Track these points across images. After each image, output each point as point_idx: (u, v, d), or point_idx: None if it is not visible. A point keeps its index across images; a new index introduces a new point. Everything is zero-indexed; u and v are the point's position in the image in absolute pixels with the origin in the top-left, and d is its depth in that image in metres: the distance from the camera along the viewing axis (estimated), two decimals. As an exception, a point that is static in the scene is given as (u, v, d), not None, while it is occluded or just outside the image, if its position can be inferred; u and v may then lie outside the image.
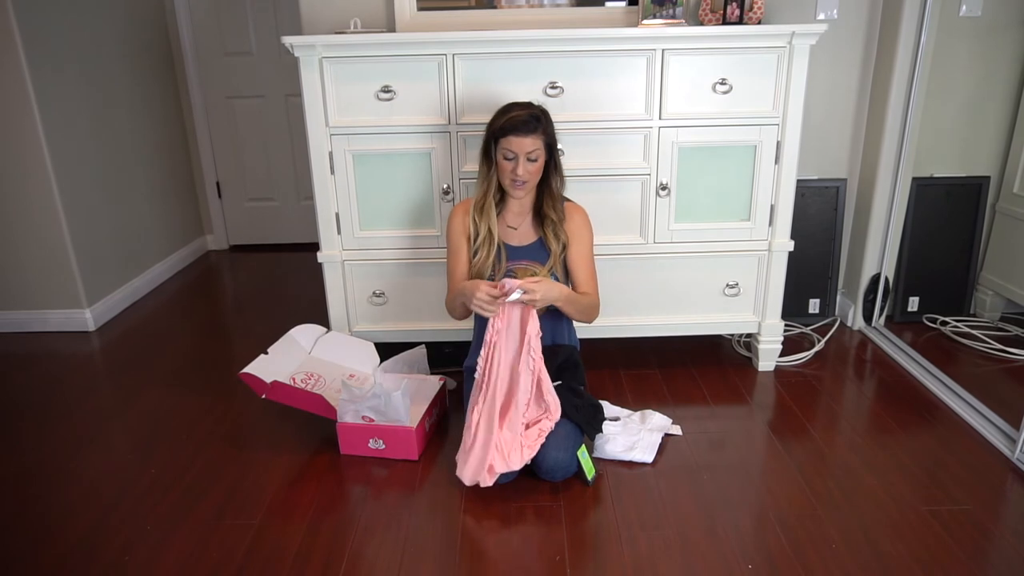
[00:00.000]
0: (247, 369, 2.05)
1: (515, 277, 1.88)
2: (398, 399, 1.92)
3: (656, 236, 2.30)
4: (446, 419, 2.21)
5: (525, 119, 1.84)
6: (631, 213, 2.28)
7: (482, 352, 1.85)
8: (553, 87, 2.16)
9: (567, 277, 2.04)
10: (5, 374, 2.61)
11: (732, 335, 2.71)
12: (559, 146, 2.16)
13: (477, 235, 1.97)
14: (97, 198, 3.06)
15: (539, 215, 2.00)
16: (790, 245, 2.32)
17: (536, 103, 1.93)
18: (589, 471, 1.86)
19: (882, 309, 2.80)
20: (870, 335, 2.77)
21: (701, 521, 1.73)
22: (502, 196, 2.00)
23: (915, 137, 2.59)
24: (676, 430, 2.11)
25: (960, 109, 2.68)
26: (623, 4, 2.49)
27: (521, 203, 2.00)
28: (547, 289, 1.82)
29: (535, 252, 1.99)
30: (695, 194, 2.27)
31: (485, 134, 1.93)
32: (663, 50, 2.12)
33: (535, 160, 1.87)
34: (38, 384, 2.52)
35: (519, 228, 2.01)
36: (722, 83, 2.15)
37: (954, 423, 2.15)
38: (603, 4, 2.50)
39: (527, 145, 1.84)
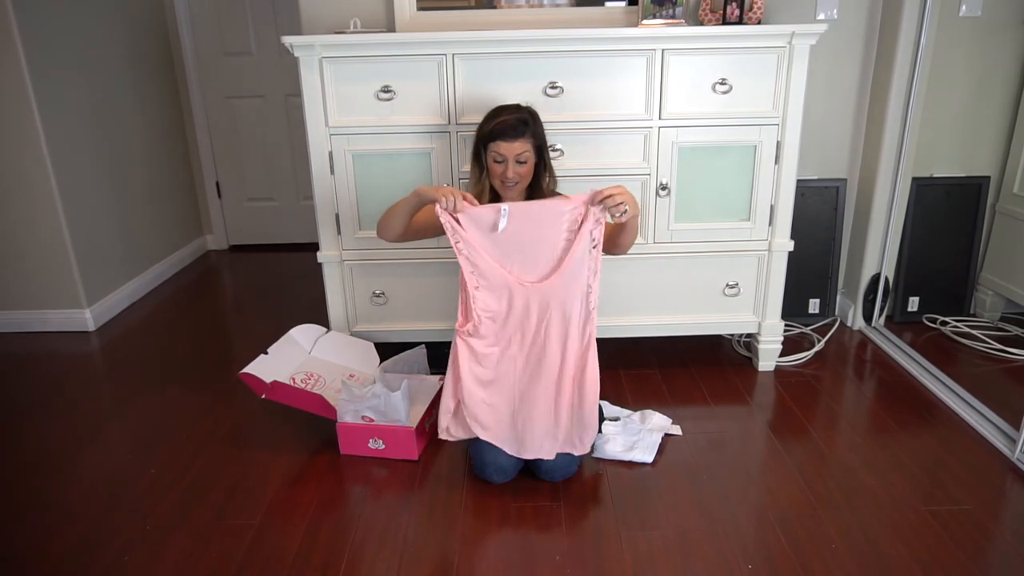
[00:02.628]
0: (247, 369, 2.05)
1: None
2: (398, 399, 1.92)
3: (656, 236, 2.30)
4: (446, 419, 2.21)
5: (513, 123, 1.84)
6: (631, 213, 2.28)
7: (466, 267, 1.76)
8: (553, 87, 2.16)
9: None
10: (5, 374, 2.61)
11: (732, 335, 2.71)
12: (558, 146, 2.17)
13: None
14: (97, 198, 3.06)
15: None
16: (790, 245, 2.32)
17: (525, 105, 1.92)
18: None
19: (882, 309, 2.80)
20: (870, 335, 2.77)
21: (701, 521, 1.73)
22: (494, 198, 2.00)
23: (915, 137, 2.59)
24: (676, 430, 2.11)
25: (960, 109, 2.68)
26: (623, 4, 2.49)
27: None
28: (633, 200, 1.72)
29: None
30: (695, 194, 2.27)
31: (475, 139, 1.93)
32: (663, 50, 2.12)
33: (524, 162, 1.87)
34: (38, 384, 2.52)
35: None
36: (722, 83, 2.15)
37: (954, 423, 2.15)
38: (603, 4, 2.50)
39: (516, 149, 1.84)
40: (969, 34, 2.58)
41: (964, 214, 2.77)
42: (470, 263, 1.75)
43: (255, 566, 1.61)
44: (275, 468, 1.98)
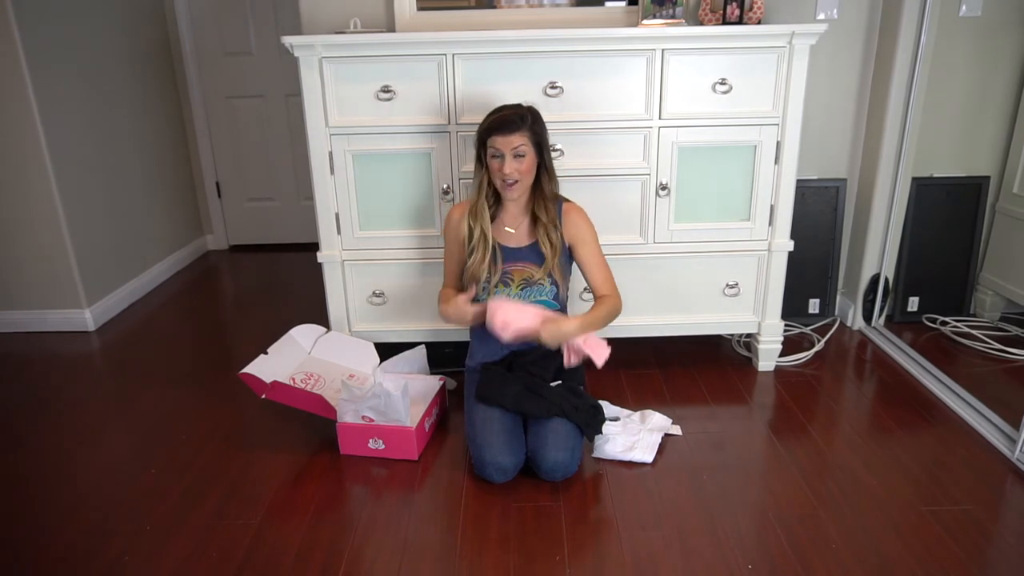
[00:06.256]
0: (247, 369, 2.05)
1: (509, 286, 1.89)
2: (398, 399, 1.92)
3: (656, 236, 2.30)
4: (446, 419, 2.21)
5: (510, 117, 1.85)
6: (631, 213, 2.28)
7: None
8: (553, 87, 2.16)
9: (565, 280, 2.04)
10: (5, 374, 2.61)
11: (732, 335, 2.71)
12: (558, 146, 2.17)
13: (472, 237, 1.98)
14: (97, 198, 3.06)
15: (534, 217, 2.00)
16: (790, 245, 2.32)
17: (526, 104, 1.94)
18: None
19: (882, 309, 2.80)
20: (870, 335, 2.77)
21: (701, 521, 1.73)
22: (498, 199, 2.00)
23: (915, 137, 2.59)
24: (676, 430, 2.11)
25: (960, 109, 2.68)
26: (623, 4, 2.49)
27: (518, 205, 2.00)
28: (554, 333, 1.88)
29: (531, 254, 1.99)
30: (695, 194, 2.27)
31: (475, 139, 1.94)
32: (663, 50, 2.12)
33: (523, 156, 1.87)
34: (38, 384, 2.52)
35: (517, 230, 2.02)
36: (722, 83, 2.15)
37: (954, 423, 2.15)
38: (603, 4, 2.50)
39: (512, 142, 1.84)
40: (969, 34, 2.58)
41: (964, 214, 2.76)
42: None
43: (255, 566, 1.61)
44: (275, 468, 1.98)
